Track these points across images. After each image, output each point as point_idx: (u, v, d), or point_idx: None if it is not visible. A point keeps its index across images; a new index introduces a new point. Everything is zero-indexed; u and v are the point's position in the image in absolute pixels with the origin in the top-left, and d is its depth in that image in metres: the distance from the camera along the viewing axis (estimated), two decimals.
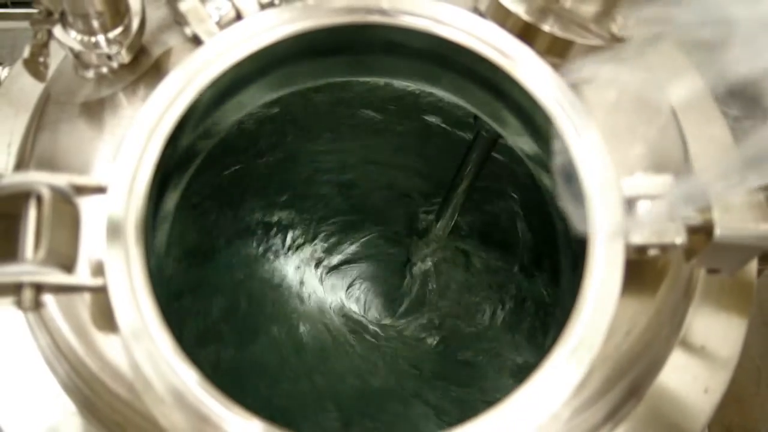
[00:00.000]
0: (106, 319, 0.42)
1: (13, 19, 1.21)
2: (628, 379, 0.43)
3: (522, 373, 0.64)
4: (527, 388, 0.36)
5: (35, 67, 0.47)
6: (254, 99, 0.47)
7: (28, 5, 1.21)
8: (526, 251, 0.66)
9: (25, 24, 1.31)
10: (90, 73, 0.47)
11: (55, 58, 0.50)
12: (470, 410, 0.37)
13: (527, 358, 0.66)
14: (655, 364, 0.46)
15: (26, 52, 0.47)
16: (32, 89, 0.51)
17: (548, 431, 0.39)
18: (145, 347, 0.37)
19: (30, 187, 0.36)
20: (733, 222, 0.38)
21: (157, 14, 0.49)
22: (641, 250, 0.39)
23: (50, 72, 0.49)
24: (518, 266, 0.68)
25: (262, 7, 0.44)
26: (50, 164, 0.46)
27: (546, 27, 0.42)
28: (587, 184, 0.39)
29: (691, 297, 0.48)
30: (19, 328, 0.45)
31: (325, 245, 0.72)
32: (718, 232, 0.38)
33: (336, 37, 0.43)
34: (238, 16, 0.44)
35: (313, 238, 0.72)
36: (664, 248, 0.39)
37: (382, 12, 0.42)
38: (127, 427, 0.42)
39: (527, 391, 0.36)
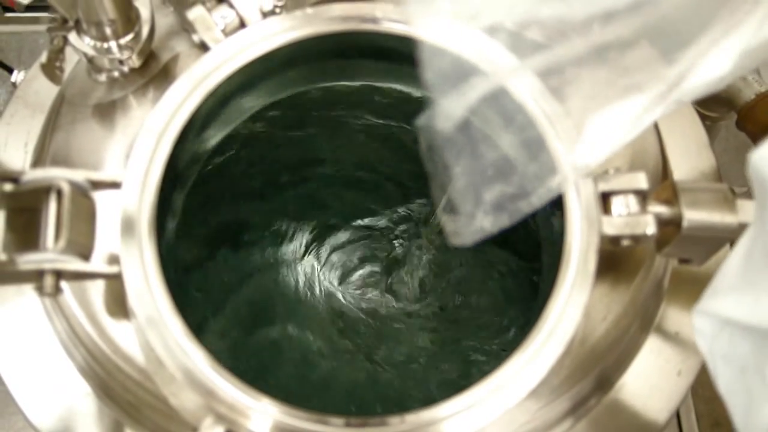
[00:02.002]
0: (118, 307, 0.45)
1: (19, 23, 1.24)
2: (607, 361, 0.47)
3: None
4: (506, 368, 0.39)
5: (52, 71, 0.50)
6: (258, 101, 0.50)
7: (33, 10, 1.23)
8: (514, 244, 0.69)
9: (31, 28, 1.34)
10: (102, 77, 0.50)
11: (69, 62, 0.53)
12: None
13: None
14: (631, 349, 0.49)
15: (43, 57, 0.50)
16: (47, 91, 0.54)
17: (527, 409, 0.42)
18: (157, 330, 0.39)
19: (51, 182, 0.39)
20: (700, 214, 0.41)
21: (165, 21, 0.52)
22: (614, 240, 0.42)
23: (65, 75, 0.53)
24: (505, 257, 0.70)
25: (265, 15, 0.47)
26: (65, 162, 0.49)
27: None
28: (563, 179, 0.42)
29: (665, 287, 0.51)
30: (37, 315, 0.48)
31: (325, 235, 0.75)
32: (685, 223, 0.41)
33: (333, 44, 0.46)
34: (242, 24, 0.47)
35: (314, 229, 0.74)
36: (636, 239, 0.42)
37: (375, 20, 0.46)
38: (140, 406, 0.45)
39: (506, 372, 0.39)
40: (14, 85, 0.58)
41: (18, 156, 0.53)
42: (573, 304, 0.40)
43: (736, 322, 0.29)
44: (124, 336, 0.45)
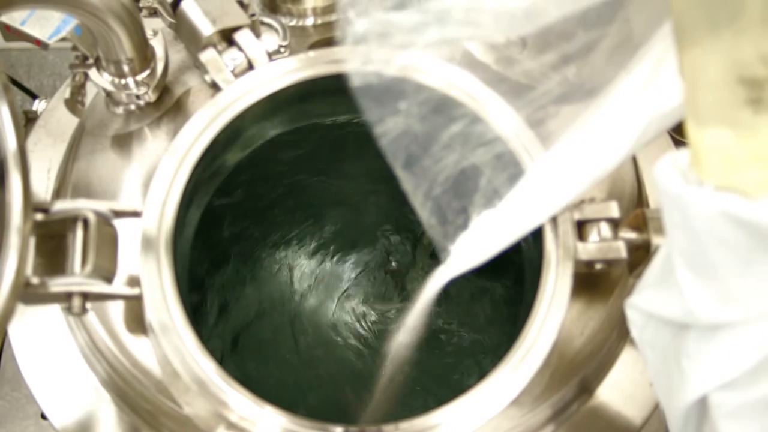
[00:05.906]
0: (136, 324, 0.49)
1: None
2: (585, 372, 0.50)
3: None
4: (490, 379, 0.43)
5: (73, 105, 0.54)
6: (265, 134, 0.54)
7: None
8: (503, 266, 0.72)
9: None
10: (120, 110, 0.54)
11: (88, 95, 0.57)
12: None
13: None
14: (609, 361, 0.53)
15: (66, 93, 0.54)
16: (68, 122, 0.58)
17: (512, 416, 0.46)
18: (173, 344, 0.43)
19: (78, 212, 0.43)
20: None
21: (177, 57, 0.56)
22: (589, 264, 0.46)
23: (84, 107, 0.56)
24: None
25: (270, 56, 0.51)
26: (86, 189, 0.53)
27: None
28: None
29: None
30: (60, 329, 0.52)
31: (331, 250, 0.78)
32: (653, 249, 0.45)
33: (333, 83, 0.49)
34: (250, 65, 0.51)
35: (321, 245, 0.78)
36: (609, 263, 0.46)
37: (372, 63, 0.49)
38: (157, 414, 0.48)
39: (490, 383, 0.43)
40: (36, 113, 0.62)
41: (41, 182, 0.56)
42: (550, 321, 0.44)
43: (655, 316, 0.33)
44: (141, 350, 0.48)
